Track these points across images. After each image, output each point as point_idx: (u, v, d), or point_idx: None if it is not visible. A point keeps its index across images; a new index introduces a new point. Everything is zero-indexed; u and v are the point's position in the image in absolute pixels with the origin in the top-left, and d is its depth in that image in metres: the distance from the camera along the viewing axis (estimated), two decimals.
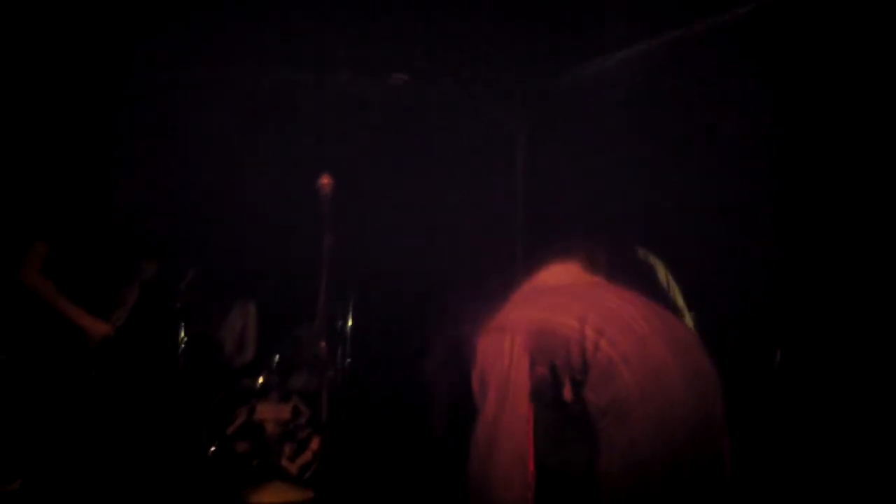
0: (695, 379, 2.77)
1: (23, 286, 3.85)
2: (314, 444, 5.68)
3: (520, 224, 6.08)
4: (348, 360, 5.72)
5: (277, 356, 5.88)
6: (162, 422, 5.35)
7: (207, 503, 5.41)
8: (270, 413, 5.64)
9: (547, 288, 3.01)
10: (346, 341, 5.71)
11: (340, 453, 5.61)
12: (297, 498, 5.41)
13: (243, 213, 6.06)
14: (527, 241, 6.10)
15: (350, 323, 5.73)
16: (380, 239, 6.04)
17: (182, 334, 5.58)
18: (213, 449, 5.58)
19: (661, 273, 4.02)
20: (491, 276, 6.00)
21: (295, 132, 5.95)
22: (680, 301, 4.04)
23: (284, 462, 5.64)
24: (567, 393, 2.71)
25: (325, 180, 3.72)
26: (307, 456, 5.70)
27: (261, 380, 5.75)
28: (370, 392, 6.02)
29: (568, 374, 2.72)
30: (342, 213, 3.83)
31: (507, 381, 2.70)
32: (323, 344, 4.07)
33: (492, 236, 6.12)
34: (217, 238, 5.95)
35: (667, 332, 2.82)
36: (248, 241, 6.15)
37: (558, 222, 5.82)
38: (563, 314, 2.76)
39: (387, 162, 6.18)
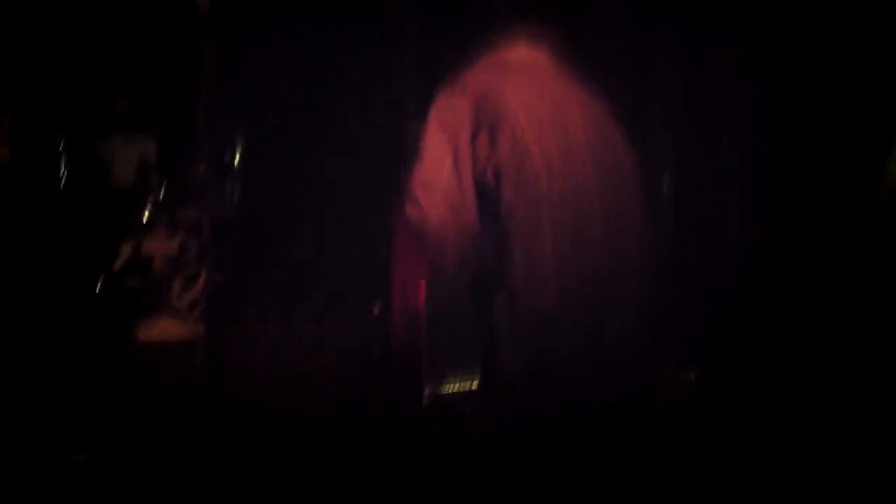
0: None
1: None
2: (203, 279, 5.56)
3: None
4: (238, 193, 5.58)
5: (164, 189, 5.69)
6: (46, 258, 5.16)
7: (96, 340, 5.30)
8: (158, 247, 5.48)
9: (508, 65, 3.04)
10: (235, 174, 5.56)
11: (230, 287, 5.53)
12: (187, 334, 5.33)
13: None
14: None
15: (239, 154, 5.57)
16: (270, 62, 5.78)
17: (63, 168, 5.39)
18: (99, 285, 5.45)
19: None
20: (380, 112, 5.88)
21: None
22: None
23: (174, 298, 5.52)
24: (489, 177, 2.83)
25: None
26: (196, 292, 5.59)
27: (147, 213, 5.57)
28: (261, 227, 5.89)
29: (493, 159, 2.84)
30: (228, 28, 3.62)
31: (457, 142, 2.84)
32: (203, 167, 3.91)
33: (381, 69, 5.91)
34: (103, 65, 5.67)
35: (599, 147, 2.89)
36: (136, 66, 5.87)
37: None
38: (512, 97, 2.83)
39: None
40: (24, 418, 4.06)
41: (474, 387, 4.11)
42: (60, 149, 5.41)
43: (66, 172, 5.43)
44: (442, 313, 4.22)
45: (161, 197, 5.63)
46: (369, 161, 5.40)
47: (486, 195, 3.05)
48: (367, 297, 4.94)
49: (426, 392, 4.22)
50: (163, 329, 5.36)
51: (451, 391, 4.23)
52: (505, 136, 2.82)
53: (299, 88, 5.82)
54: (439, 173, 2.98)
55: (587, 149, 2.87)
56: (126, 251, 5.46)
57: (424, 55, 5.34)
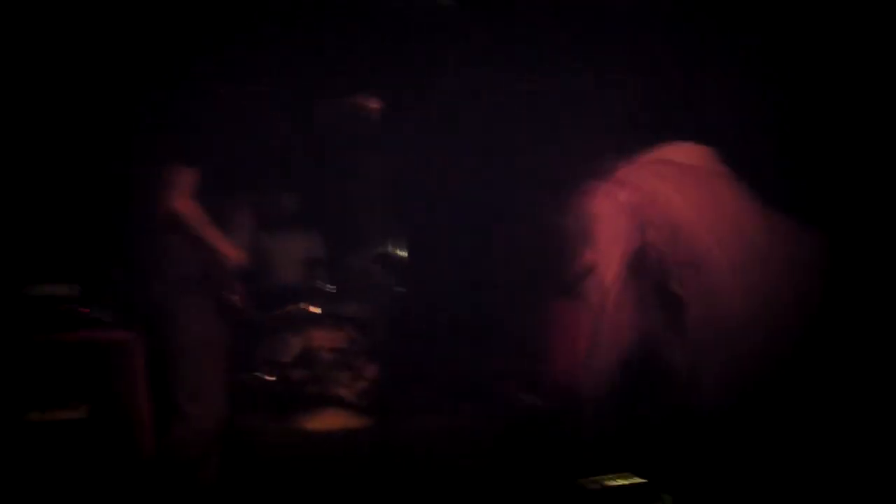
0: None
1: (167, 212, 3.86)
2: (370, 371, 5.73)
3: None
4: (401, 288, 5.75)
5: (332, 284, 5.92)
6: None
7: (264, 431, 5.49)
8: (326, 340, 5.68)
9: (671, 164, 3.03)
10: (400, 270, 5.74)
11: (396, 380, 5.66)
12: (354, 425, 5.47)
13: (300, 139, 6.07)
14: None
15: (404, 251, 5.75)
16: (433, 166, 6.00)
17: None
18: (269, 377, 5.66)
19: None
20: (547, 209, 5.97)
21: (341, 54, 5.91)
22: None
23: (341, 389, 5.68)
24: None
25: (374, 103, 3.72)
26: (363, 383, 5.75)
27: (316, 308, 5.80)
28: (423, 320, 6.04)
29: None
30: (394, 138, 3.82)
31: (616, 232, 2.83)
32: (378, 269, 4.08)
33: (547, 165, 6.04)
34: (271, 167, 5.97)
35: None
36: (302, 166, 6.18)
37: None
38: (675, 191, 2.83)
39: (438, 88, 6.11)
40: None
41: (636, 481, 4.10)
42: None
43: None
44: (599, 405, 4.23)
45: (329, 291, 5.87)
46: (539, 260, 5.50)
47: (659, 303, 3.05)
48: (525, 389, 5.00)
49: (586, 485, 4.23)
50: (329, 419, 5.51)
51: (612, 484, 4.22)
52: (682, 241, 2.84)
53: (469, 185, 6.02)
54: (608, 272, 3.01)
55: (757, 249, 2.87)
56: (296, 343, 5.68)
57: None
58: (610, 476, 4.25)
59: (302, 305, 5.86)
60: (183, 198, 3.89)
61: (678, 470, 3.84)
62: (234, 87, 4.21)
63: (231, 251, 3.99)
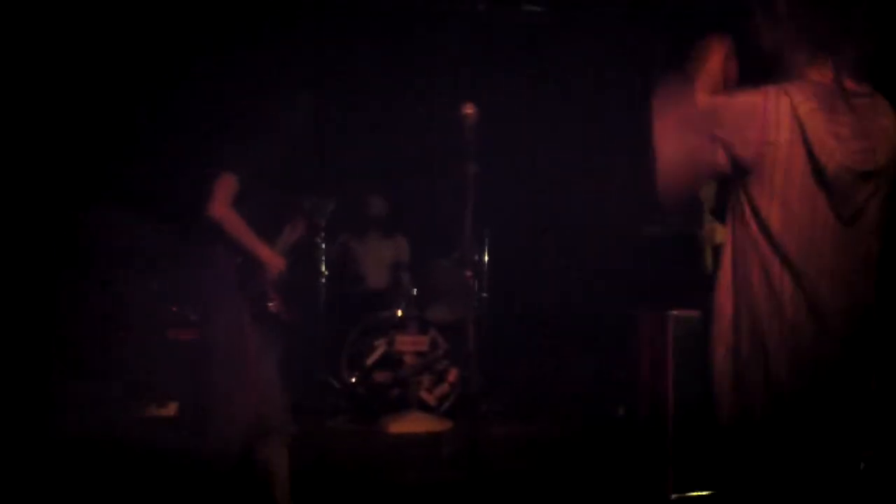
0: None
1: (208, 219, 3.89)
2: (452, 375, 5.75)
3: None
4: (484, 293, 5.77)
5: (416, 288, 5.96)
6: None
7: (347, 432, 5.53)
8: (409, 345, 5.72)
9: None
10: (483, 274, 5.76)
11: (479, 385, 5.67)
12: (435, 428, 5.49)
13: (388, 146, 6.13)
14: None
15: (487, 256, 5.78)
16: (519, 172, 6.01)
17: (323, 267, 5.70)
18: (353, 379, 5.71)
19: None
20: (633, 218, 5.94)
21: (436, 64, 5.97)
22: None
23: (423, 393, 5.72)
24: None
25: (469, 109, 3.71)
26: (445, 387, 5.78)
27: (400, 312, 5.84)
28: (507, 326, 6.04)
29: None
30: (485, 143, 3.81)
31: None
32: (468, 273, 4.08)
33: (634, 175, 6.00)
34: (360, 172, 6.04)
35: None
36: (391, 175, 6.24)
37: None
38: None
39: (527, 94, 6.13)
40: None
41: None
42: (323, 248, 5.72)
43: (325, 272, 5.72)
44: (691, 416, 4.18)
45: (413, 295, 5.91)
46: (612, 274, 5.48)
47: None
48: (612, 401, 4.97)
49: (673, 496, 4.20)
50: (411, 421, 5.54)
51: (698, 496, 4.17)
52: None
53: (557, 191, 6.03)
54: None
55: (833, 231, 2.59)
56: (379, 347, 5.72)
57: None
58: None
59: (386, 309, 5.91)
60: (222, 205, 3.88)
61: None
62: (286, 90, 4.23)
63: (270, 258, 4.00)
